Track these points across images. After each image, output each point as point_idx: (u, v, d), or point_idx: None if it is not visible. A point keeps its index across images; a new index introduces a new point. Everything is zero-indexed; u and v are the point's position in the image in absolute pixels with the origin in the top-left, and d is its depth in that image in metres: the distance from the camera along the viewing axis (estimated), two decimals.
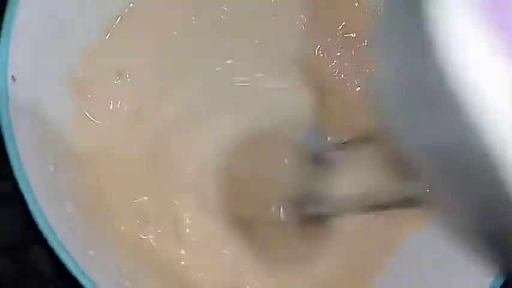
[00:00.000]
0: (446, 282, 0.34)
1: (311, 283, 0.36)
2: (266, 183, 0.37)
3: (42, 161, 0.31)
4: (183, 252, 0.35)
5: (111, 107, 0.36)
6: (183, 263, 0.35)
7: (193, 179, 0.37)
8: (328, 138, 0.38)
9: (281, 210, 0.37)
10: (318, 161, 0.37)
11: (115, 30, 0.37)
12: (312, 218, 0.37)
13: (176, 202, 0.36)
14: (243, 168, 0.37)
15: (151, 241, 0.35)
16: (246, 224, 0.36)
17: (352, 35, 0.39)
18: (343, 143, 0.36)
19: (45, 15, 0.32)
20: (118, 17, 0.37)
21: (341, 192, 0.37)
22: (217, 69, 0.38)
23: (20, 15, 0.30)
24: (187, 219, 0.36)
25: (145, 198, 0.36)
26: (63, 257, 0.28)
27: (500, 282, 0.32)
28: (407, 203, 0.33)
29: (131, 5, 0.37)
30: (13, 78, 0.30)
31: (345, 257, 0.37)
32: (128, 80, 0.37)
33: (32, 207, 0.28)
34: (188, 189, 0.36)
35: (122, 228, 0.34)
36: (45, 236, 0.28)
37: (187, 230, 0.36)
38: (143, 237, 0.35)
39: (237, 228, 0.36)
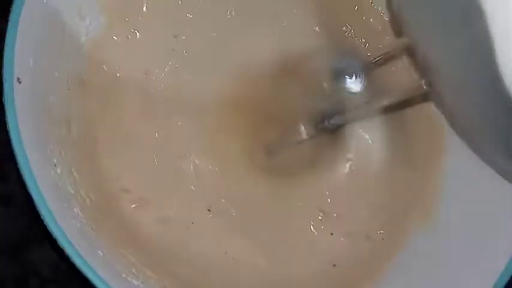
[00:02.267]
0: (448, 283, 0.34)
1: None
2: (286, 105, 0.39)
3: (48, 162, 0.31)
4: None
5: (118, 107, 0.37)
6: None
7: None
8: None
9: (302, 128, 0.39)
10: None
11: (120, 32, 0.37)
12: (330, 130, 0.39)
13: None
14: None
15: (162, 240, 0.35)
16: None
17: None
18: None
19: (49, 18, 0.33)
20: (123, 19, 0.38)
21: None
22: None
23: (24, 17, 0.30)
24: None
25: (152, 194, 0.36)
26: (74, 257, 0.28)
27: (503, 283, 0.32)
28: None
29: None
30: (19, 80, 0.30)
31: None
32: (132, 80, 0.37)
33: (40, 208, 0.28)
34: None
35: (131, 226, 0.35)
36: (54, 237, 0.28)
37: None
38: (153, 235, 0.35)
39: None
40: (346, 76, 0.39)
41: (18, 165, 0.29)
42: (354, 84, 0.39)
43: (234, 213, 0.37)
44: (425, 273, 0.35)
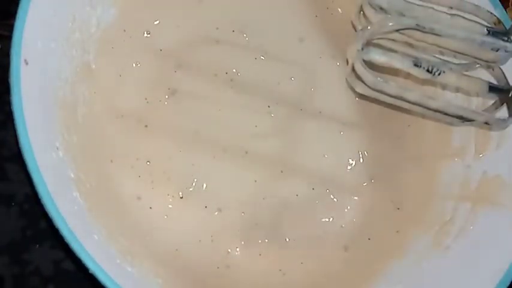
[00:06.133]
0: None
1: None
2: None
3: (50, 144, 0.31)
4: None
5: (121, 98, 0.37)
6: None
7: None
8: None
9: None
10: None
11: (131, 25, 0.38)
12: None
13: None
14: None
15: (155, 226, 0.35)
16: None
17: None
18: None
19: (59, 4, 0.33)
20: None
21: None
22: None
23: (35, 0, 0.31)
24: None
25: (151, 182, 0.36)
26: (68, 236, 0.27)
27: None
28: None
29: None
30: (26, 62, 0.30)
31: None
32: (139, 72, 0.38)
33: (39, 188, 0.28)
34: None
35: (126, 213, 0.34)
36: (51, 216, 0.28)
37: None
38: (147, 222, 0.34)
39: None
40: None
41: (20, 146, 0.28)
42: None
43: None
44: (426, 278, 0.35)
